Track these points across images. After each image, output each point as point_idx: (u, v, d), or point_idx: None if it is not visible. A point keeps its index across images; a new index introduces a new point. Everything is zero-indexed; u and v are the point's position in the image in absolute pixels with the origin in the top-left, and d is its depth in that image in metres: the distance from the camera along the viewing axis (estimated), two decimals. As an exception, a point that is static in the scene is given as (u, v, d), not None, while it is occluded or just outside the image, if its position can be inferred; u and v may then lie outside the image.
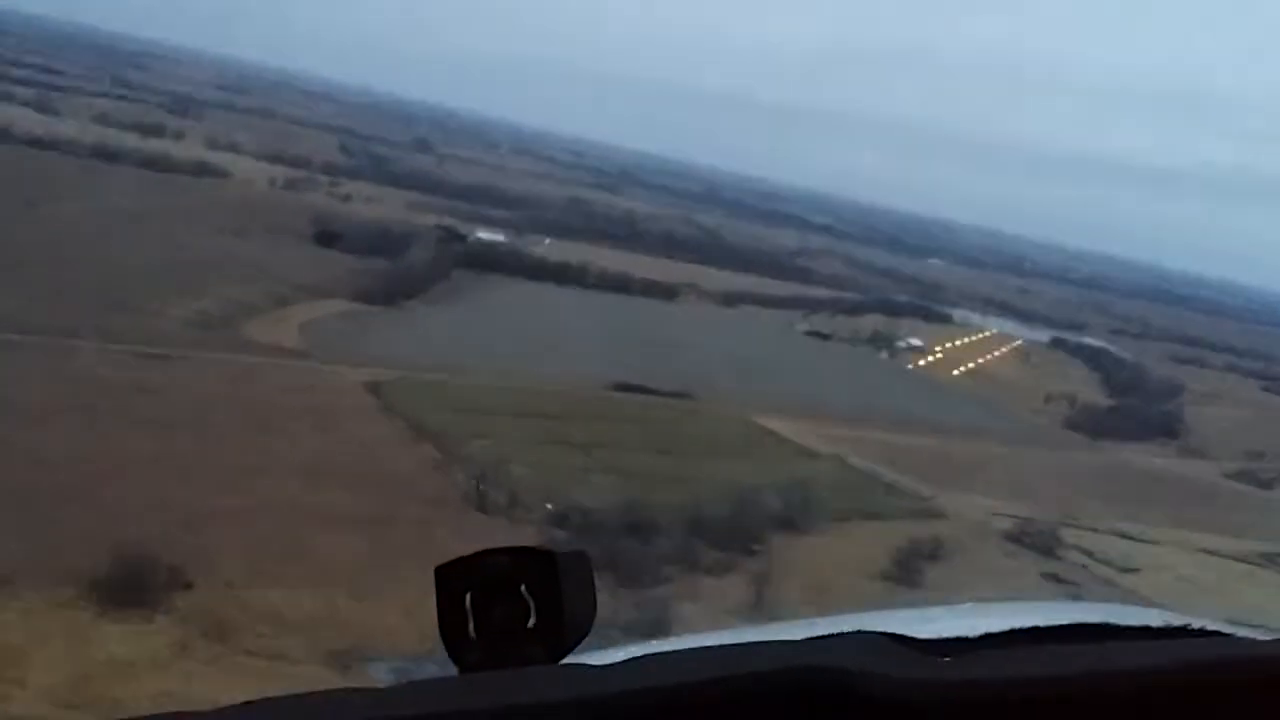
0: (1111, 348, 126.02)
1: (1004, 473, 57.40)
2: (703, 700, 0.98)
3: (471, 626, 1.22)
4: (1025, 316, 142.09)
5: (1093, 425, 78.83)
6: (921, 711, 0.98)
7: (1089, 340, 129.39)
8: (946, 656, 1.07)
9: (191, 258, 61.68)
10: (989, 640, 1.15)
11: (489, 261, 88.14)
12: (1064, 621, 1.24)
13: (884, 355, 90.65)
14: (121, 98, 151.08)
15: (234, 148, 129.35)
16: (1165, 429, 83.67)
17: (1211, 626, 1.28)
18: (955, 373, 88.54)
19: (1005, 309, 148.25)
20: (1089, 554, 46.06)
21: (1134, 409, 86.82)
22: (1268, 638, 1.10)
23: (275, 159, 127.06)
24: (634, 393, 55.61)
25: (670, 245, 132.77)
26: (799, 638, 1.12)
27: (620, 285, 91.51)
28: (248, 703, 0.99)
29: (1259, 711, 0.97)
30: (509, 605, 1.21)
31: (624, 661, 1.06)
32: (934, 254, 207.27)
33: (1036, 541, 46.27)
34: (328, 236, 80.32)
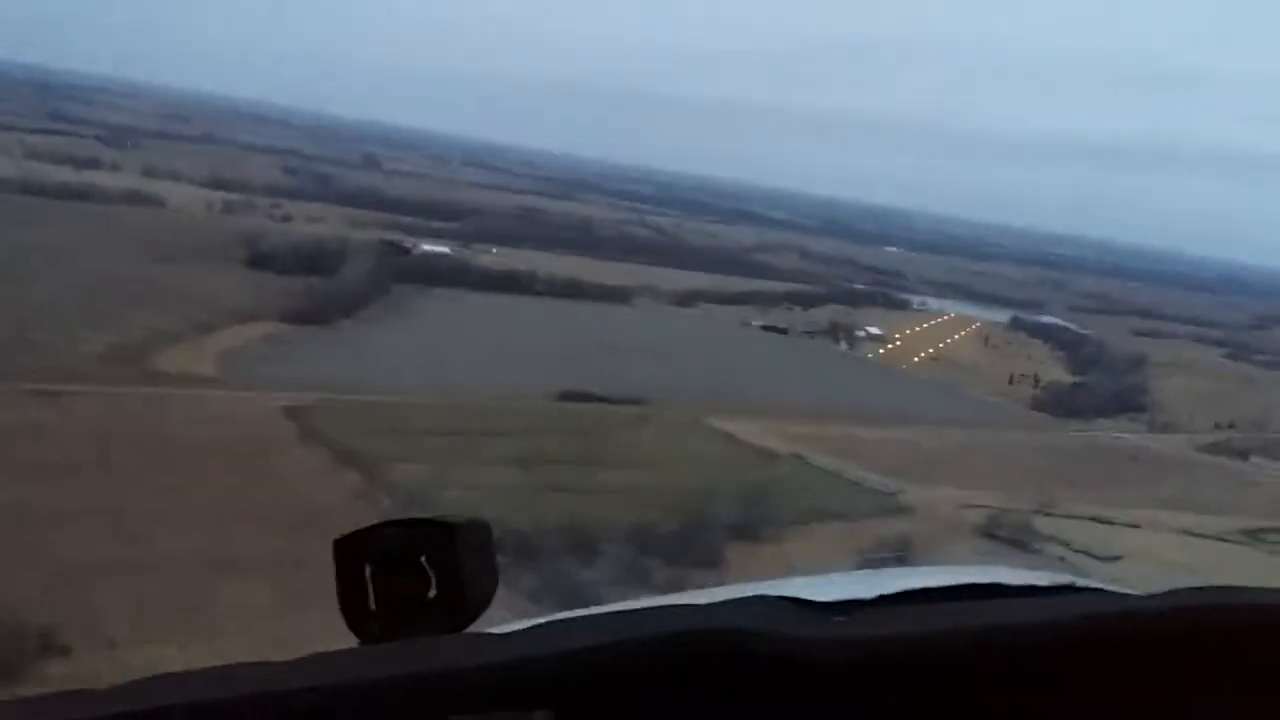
0: (1071, 325, 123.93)
1: (972, 461, 54.44)
2: (600, 664, 0.97)
3: (371, 599, 1.20)
4: (983, 299, 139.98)
5: (1058, 404, 76.09)
6: (813, 668, 0.98)
7: (1048, 318, 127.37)
8: (840, 617, 1.08)
9: (109, 289, 57.78)
10: (883, 601, 1.16)
11: (433, 274, 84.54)
12: (956, 582, 1.26)
13: (843, 346, 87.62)
14: (57, 133, 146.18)
15: (173, 175, 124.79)
16: (1132, 403, 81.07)
17: (1095, 585, 1.30)
18: (916, 359, 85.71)
19: (963, 292, 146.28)
20: (1066, 544, 42.97)
21: (1099, 385, 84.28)
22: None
23: (215, 185, 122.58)
24: (580, 401, 52.19)
25: (625, 248, 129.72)
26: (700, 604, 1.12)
27: (570, 291, 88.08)
28: (154, 677, 0.98)
29: (1134, 661, 0.99)
30: (409, 577, 1.19)
31: (523, 629, 1.06)
32: (891, 242, 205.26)
33: (1010, 534, 43.19)
34: (260, 258, 76.41)
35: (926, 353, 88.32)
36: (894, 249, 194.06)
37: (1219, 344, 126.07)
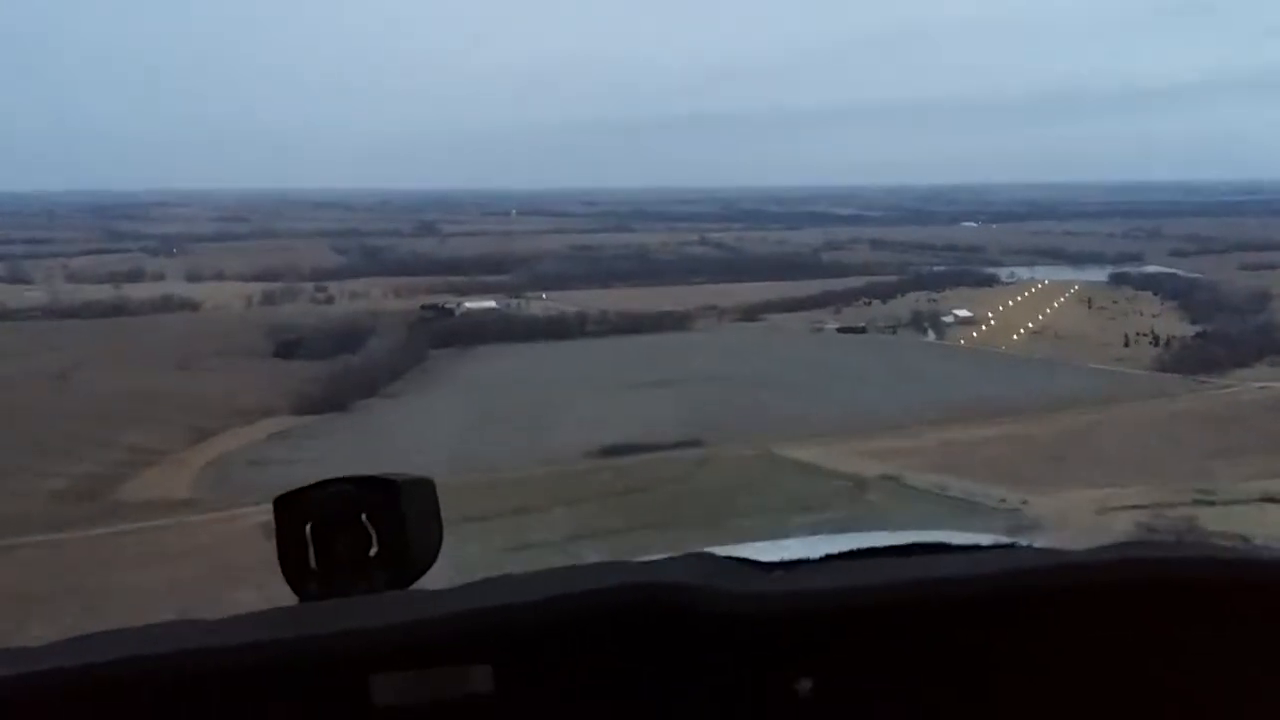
0: (1177, 270, 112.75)
1: (1101, 448, 44.81)
2: (539, 619, 0.96)
3: (312, 557, 1.17)
4: (1076, 259, 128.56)
5: (1186, 359, 65.48)
6: (751, 621, 0.97)
7: (1150, 268, 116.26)
8: (780, 574, 1.07)
9: (104, 409, 51.31)
10: (829, 560, 1.14)
11: (476, 332, 77.51)
12: (901, 543, 1.24)
13: (930, 336, 77.83)
14: (104, 251, 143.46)
15: (217, 275, 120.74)
16: (1268, 345, 70.11)
17: (1038, 545, 1.27)
18: (1015, 337, 75.66)
19: (1053, 256, 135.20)
20: (1248, 541, 33.38)
21: (1225, 330, 73.29)
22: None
23: (259, 278, 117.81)
24: (626, 455, 43.89)
25: (685, 270, 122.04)
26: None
27: (623, 325, 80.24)
28: (88, 635, 0.97)
29: (1068, 612, 0.98)
30: (350, 535, 1.17)
31: (461, 586, 1.03)
32: (966, 218, 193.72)
33: (1175, 539, 33.83)
34: (287, 346, 70.06)
35: (1026, 328, 78.14)
36: (970, 224, 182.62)
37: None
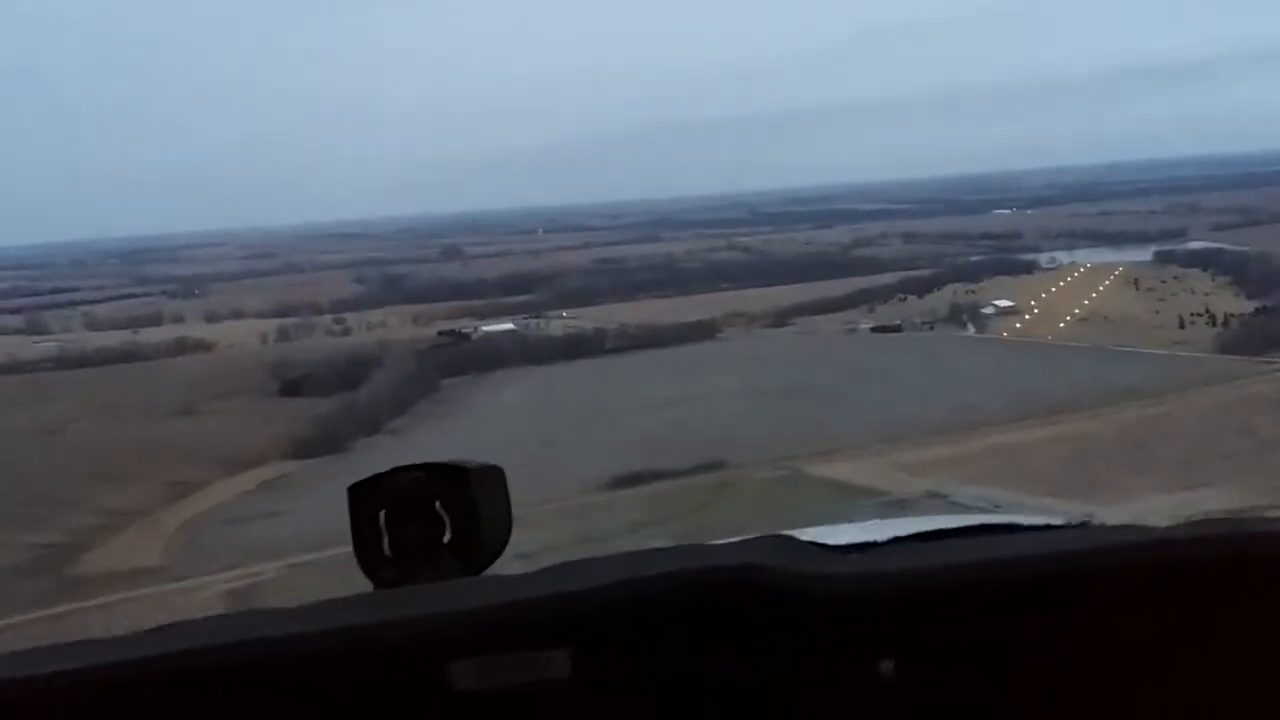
0: (1223, 245, 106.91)
1: (1167, 446, 39.98)
2: (616, 602, 0.96)
3: (386, 544, 1.18)
4: (1117, 240, 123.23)
5: (1249, 339, 60.23)
6: (826, 602, 0.97)
7: (1195, 244, 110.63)
8: (855, 555, 1.07)
9: (88, 465, 47.86)
10: (896, 542, 1.13)
11: (493, 357, 73.61)
12: (971, 524, 1.22)
13: (970, 330, 72.88)
14: (126, 296, 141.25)
15: (236, 314, 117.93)
16: (1335, 317, 64.80)
17: (1119, 522, 1.23)
18: (1061, 325, 70.63)
19: (1093, 237, 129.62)
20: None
21: (1287, 305, 68.14)
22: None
23: (277, 314, 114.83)
24: (640, 484, 39.57)
25: (711, 277, 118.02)
26: None
27: (646, 340, 75.88)
28: (158, 628, 0.97)
29: (1153, 589, 0.97)
30: (423, 522, 1.17)
31: (537, 571, 1.04)
32: (1000, 205, 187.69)
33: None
34: (295, 384, 66.48)
35: (1072, 314, 72.96)
36: (1004, 211, 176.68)
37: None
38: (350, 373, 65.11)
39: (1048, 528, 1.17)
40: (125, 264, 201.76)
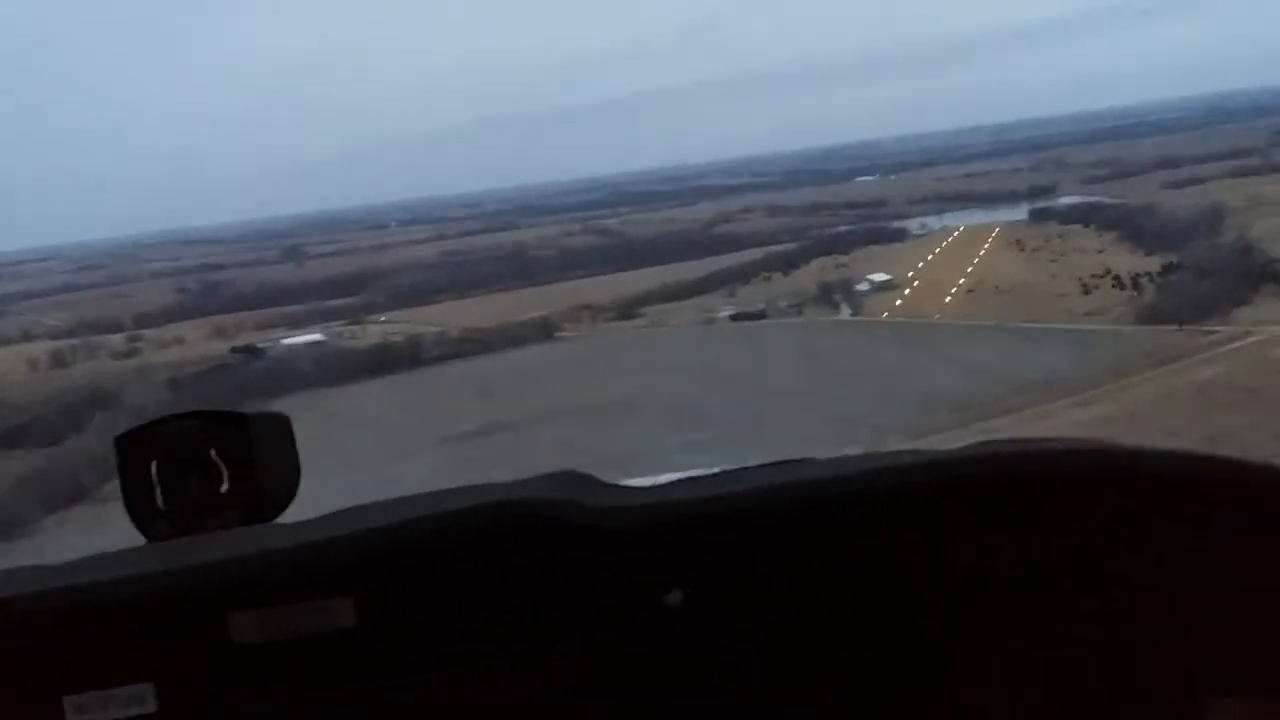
0: (1102, 199, 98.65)
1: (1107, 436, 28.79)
2: (394, 545, 0.91)
3: (159, 496, 1.11)
4: (987, 200, 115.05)
5: (1171, 303, 49.87)
6: (618, 534, 0.94)
7: (1069, 199, 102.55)
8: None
9: None
10: (693, 479, 1.08)
11: (282, 378, 59.52)
12: (768, 462, 1.17)
13: (845, 312, 61.22)
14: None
15: (24, 336, 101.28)
16: (1258, 269, 54.85)
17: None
18: (948, 300, 59.57)
19: (961, 200, 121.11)
20: None
21: (1197, 261, 57.91)
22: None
23: (71, 333, 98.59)
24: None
25: (562, 265, 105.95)
26: None
27: (471, 347, 62.90)
28: None
29: (941, 509, 0.96)
30: (199, 472, 1.11)
31: (320, 517, 0.98)
32: (863, 172, 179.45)
33: None
34: (11, 433, 51.66)
35: (958, 286, 61.86)
36: (868, 178, 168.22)
37: (1260, 171, 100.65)
38: (82, 413, 50.60)
39: (842, 458, 1.10)
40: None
